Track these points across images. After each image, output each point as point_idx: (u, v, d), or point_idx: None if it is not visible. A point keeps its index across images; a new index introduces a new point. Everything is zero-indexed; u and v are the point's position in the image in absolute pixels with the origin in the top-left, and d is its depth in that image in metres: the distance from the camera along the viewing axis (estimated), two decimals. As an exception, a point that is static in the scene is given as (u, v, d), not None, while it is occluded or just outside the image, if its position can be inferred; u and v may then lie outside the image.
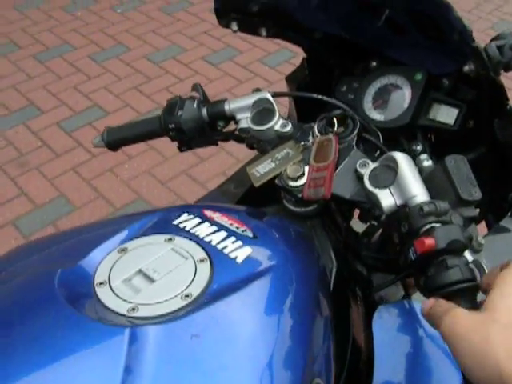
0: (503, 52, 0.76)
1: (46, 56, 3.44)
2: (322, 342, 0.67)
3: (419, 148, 0.97)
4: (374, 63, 1.03)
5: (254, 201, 0.94)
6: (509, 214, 0.95)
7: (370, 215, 0.90)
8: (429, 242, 0.62)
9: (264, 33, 0.97)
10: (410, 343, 0.81)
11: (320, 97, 0.89)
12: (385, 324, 0.81)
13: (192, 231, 0.70)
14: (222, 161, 2.65)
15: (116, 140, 1.01)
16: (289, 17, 0.94)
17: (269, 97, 0.87)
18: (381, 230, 0.96)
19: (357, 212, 0.97)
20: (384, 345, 0.80)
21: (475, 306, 0.62)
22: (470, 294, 0.63)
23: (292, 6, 0.93)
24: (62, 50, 3.49)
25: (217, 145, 0.98)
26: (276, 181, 0.80)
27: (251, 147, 0.91)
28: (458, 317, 0.58)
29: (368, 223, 1.03)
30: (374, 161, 0.79)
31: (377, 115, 1.00)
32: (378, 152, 0.86)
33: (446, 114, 0.96)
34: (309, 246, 0.79)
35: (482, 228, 1.07)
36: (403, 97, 0.98)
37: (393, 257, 0.74)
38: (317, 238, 0.82)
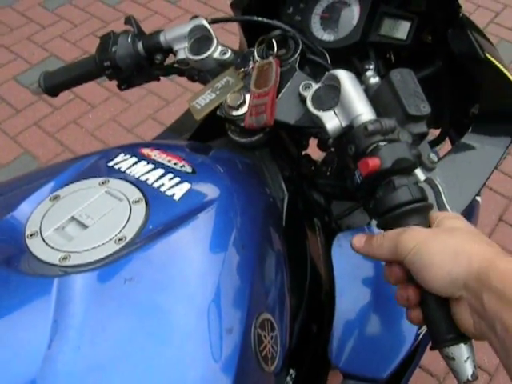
0: None
1: (-6, 7, 3.27)
2: (274, 275, 0.65)
3: (372, 67, 0.93)
4: None
5: (207, 137, 0.90)
6: (469, 129, 0.92)
7: (323, 141, 0.86)
8: (373, 162, 0.58)
9: None
10: (371, 270, 0.79)
11: (259, 19, 0.83)
12: (344, 251, 0.79)
13: (127, 172, 0.65)
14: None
15: (54, 85, 0.95)
16: None
17: (205, 23, 0.81)
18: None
19: (315, 141, 0.94)
20: (345, 273, 0.78)
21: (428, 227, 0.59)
22: (422, 214, 0.59)
23: None
24: (9, 1, 3.31)
25: (158, 80, 0.92)
26: (218, 112, 0.76)
27: (192, 79, 0.86)
28: (416, 230, 0.57)
29: (327, 151, 0.99)
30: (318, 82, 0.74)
31: (326, 36, 0.94)
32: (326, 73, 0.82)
33: (398, 29, 0.91)
34: (257, 178, 0.75)
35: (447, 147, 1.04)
36: (352, 14, 0.92)
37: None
38: (266, 169, 0.78)
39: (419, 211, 0.59)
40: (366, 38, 0.91)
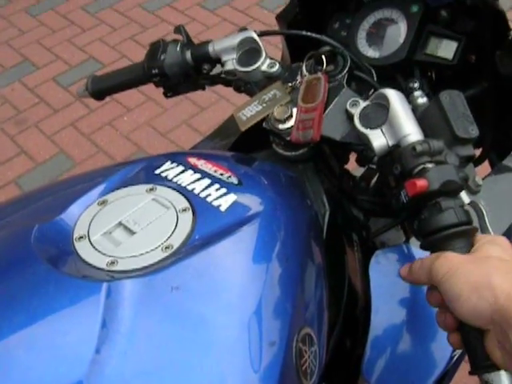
0: None
1: (38, 9, 3.33)
2: (314, 289, 0.65)
3: (416, 85, 0.92)
4: None
5: (247, 147, 0.91)
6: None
7: (366, 158, 0.86)
8: (421, 183, 0.58)
9: None
10: (408, 289, 0.79)
11: (308, 34, 0.84)
12: (382, 269, 0.79)
13: (174, 180, 0.66)
14: (222, 110, 2.59)
15: (101, 89, 0.96)
16: None
17: (254, 36, 0.82)
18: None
19: (354, 155, 0.94)
20: (381, 290, 0.77)
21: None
22: (466, 237, 0.59)
23: None
24: (53, 3, 3.37)
25: (204, 89, 0.93)
26: (264, 124, 0.76)
27: (239, 90, 0.87)
28: (449, 256, 0.56)
29: (366, 167, 0.99)
30: (366, 100, 0.74)
31: (372, 52, 0.94)
32: (372, 90, 0.82)
33: (444, 48, 0.90)
34: (300, 192, 0.76)
35: (486, 169, 1.03)
36: (399, 31, 0.92)
37: (390, 201, 0.71)
38: (309, 183, 0.78)
39: (464, 234, 0.59)
40: (411, 56, 0.91)
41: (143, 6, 3.31)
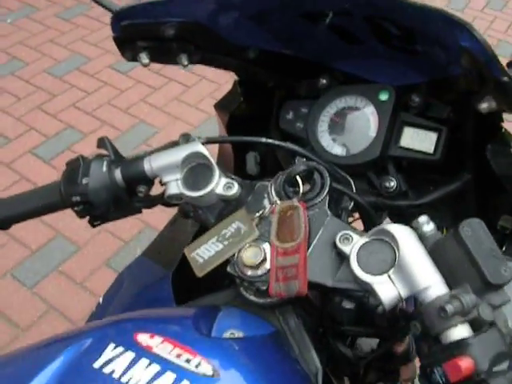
0: None
1: None
2: None
3: (393, 184, 0.79)
4: (324, 80, 0.84)
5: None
6: (503, 249, 0.79)
7: (368, 307, 0.70)
8: (466, 364, 0.44)
9: (185, 61, 0.74)
10: None
11: (269, 141, 0.68)
12: None
13: (123, 380, 0.48)
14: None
15: (5, 218, 0.75)
16: (214, 36, 0.73)
17: (202, 150, 0.65)
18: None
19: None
20: None
21: None
22: None
23: (217, 22, 0.72)
24: None
25: (141, 212, 0.74)
26: (228, 268, 0.59)
27: (186, 216, 0.69)
28: None
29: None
30: (357, 231, 0.59)
31: (338, 148, 0.80)
32: (352, 203, 0.67)
33: (422, 140, 0.78)
34: (284, 351, 0.59)
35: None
36: (368, 123, 0.79)
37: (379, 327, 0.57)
38: (291, 334, 0.61)
39: None
40: (385, 151, 0.78)
41: (49, 71, 3.08)
